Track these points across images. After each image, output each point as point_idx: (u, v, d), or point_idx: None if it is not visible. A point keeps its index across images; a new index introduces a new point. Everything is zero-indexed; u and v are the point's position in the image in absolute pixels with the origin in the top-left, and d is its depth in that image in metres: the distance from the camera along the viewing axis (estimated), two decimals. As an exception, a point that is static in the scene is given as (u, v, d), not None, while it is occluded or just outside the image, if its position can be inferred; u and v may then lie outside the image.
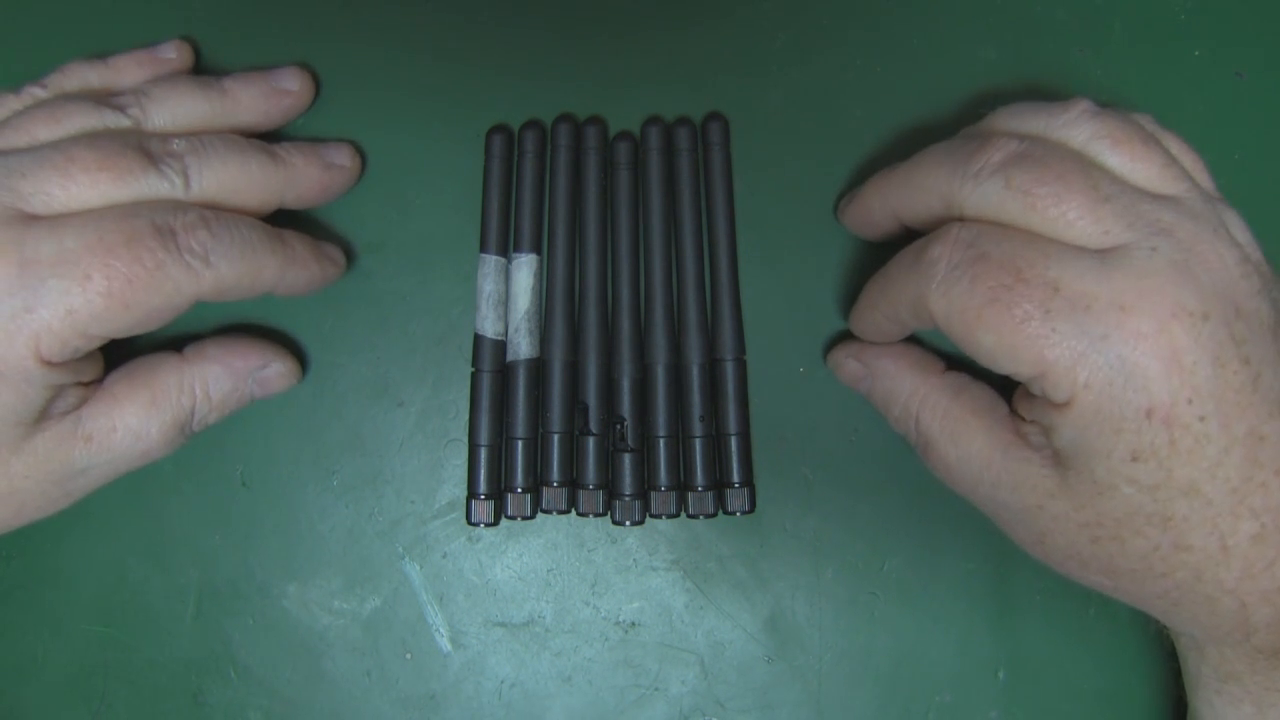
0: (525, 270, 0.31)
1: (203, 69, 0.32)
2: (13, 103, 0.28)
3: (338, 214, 0.32)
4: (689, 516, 0.30)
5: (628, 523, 0.30)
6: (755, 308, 0.31)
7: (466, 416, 0.31)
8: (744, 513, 0.30)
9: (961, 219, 0.24)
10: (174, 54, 0.30)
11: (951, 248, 0.23)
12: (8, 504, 0.26)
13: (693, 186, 0.31)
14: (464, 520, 0.30)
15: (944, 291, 0.23)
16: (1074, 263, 0.22)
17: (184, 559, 0.31)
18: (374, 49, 0.32)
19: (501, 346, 0.31)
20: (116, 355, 0.28)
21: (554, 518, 0.31)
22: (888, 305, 0.26)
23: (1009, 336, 0.22)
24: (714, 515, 0.30)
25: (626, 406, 0.30)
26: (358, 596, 0.31)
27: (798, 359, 0.31)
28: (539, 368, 0.31)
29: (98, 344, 0.25)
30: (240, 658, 0.31)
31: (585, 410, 0.30)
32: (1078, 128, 0.24)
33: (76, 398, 0.26)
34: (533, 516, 0.30)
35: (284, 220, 0.29)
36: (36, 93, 0.28)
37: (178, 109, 0.28)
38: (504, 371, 0.30)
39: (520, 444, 0.30)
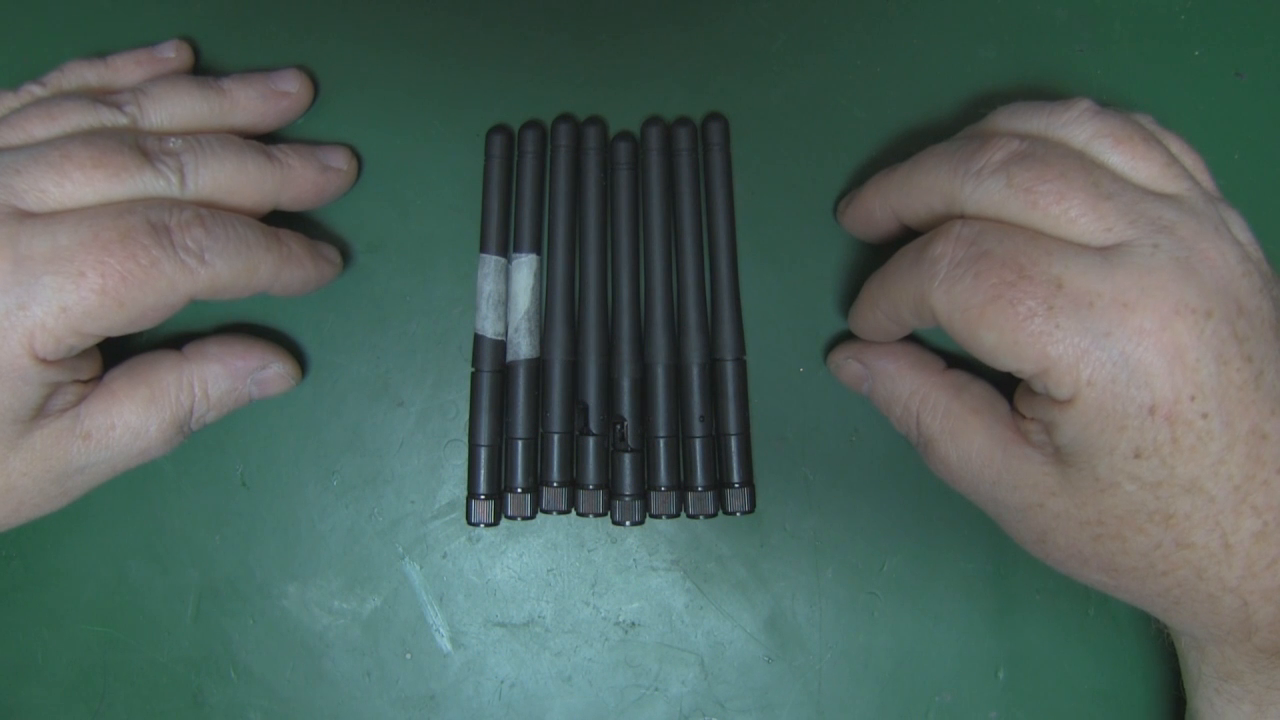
0: (525, 270, 0.31)
1: (203, 69, 0.32)
2: (10, 101, 0.28)
3: (338, 214, 0.32)
4: (689, 516, 0.30)
5: (628, 523, 0.30)
6: (755, 308, 0.31)
7: (466, 416, 0.31)
8: (744, 513, 0.30)
9: (963, 217, 0.24)
10: (173, 54, 0.30)
11: (954, 245, 0.23)
12: (5, 501, 0.26)
13: (693, 186, 0.31)
14: (464, 520, 0.30)
15: (946, 289, 0.23)
16: (1077, 260, 0.22)
17: (184, 559, 0.31)
18: (374, 49, 0.32)
19: (501, 346, 0.31)
20: (116, 352, 0.28)
21: (554, 518, 0.31)
22: (888, 304, 0.26)
23: (1012, 334, 0.22)
24: (714, 515, 0.30)
25: (626, 406, 0.30)
26: (358, 596, 0.31)
27: (798, 359, 0.31)
28: (539, 368, 0.31)
29: (93, 341, 0.25)
30: (240, 658, 0.31)
31: (585, 410, 0.30)
32: (1079, 127, 0.24)
33: (75, 395, 0.26)
34: (533, 516, 0.30)
35: (281, 220, 0.29)
36: (35, 91, 0.28)
37: (175, 108, 0.28)
38: (504, 371, 0.30)
39: (520, 444, 0.30)
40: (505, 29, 0.32)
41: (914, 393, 0.28)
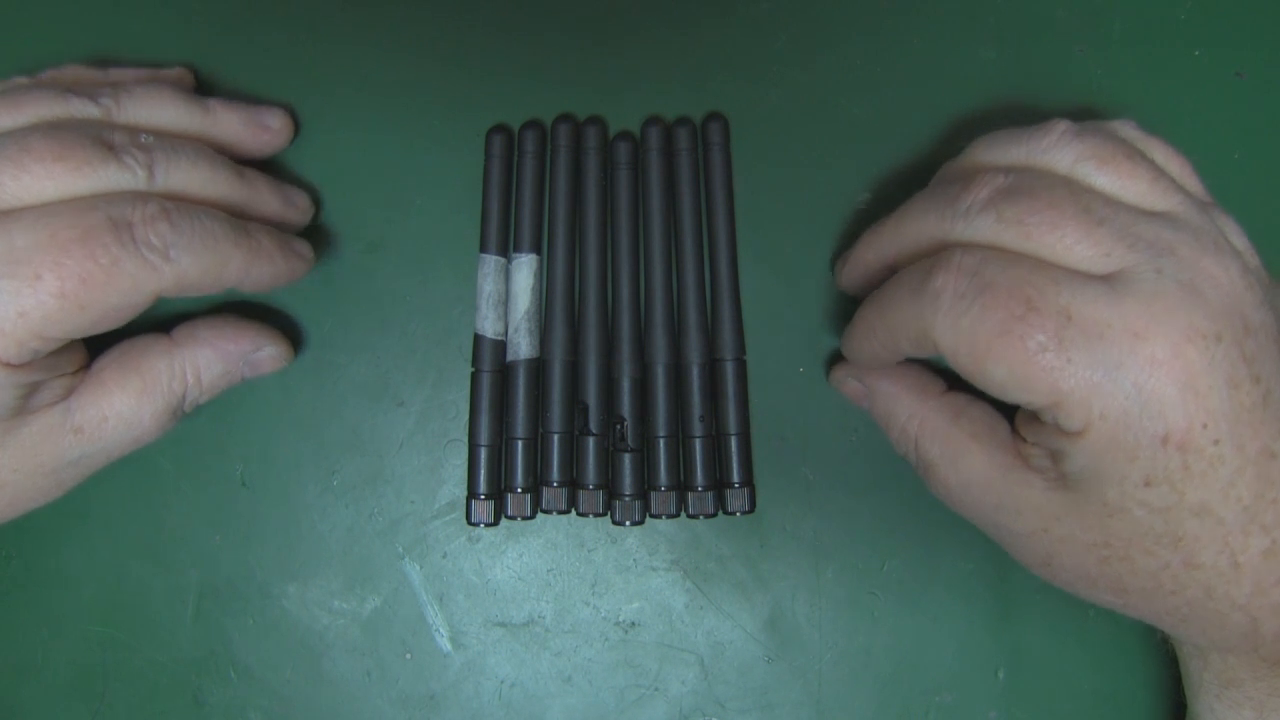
0: (525, 270, 0.31)
1: (202, 68, 0.32)
2: None
3: (338, 214, 0.32)
4: (689, 516, 0.30)
5: (628, 523, 0.30)
6: (755, 308, 0.31)
7: (466, 416, 0.31)
8: (744, 513, 0.30)
9: (963, 246, 0.23)
10: (174, 75, 0.30)
11: (955, 276, 0.22)
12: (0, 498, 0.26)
13: (693, 186, 0.31)
14: (464, 520, 0.30)
15: (951, 322, 0.22)
16: (1084, 289, 0.21)
17: (184, 559, 0.31)
18: (374, 49, 0.32)
19: (501, 346, 0.31)
20: (103, 338, 0.28)
21: (554, 518, 0.31)
22: (886, 334, 0.25)
23: (1022, 368, 0.21)
24: (714, 515, 0.30)
25: (626, 406, 0.30)
26: (358, 596, 0.31)
27: (798, 359, 0.31)
28: (539, 368, 0.31)
29: (59, 344, 0.24)
30: (240, 658, 0.31)
31: (585, 410, 0.30)
32: (1061, 152, 0.24)
33: (62, 388, 0.26)
34: (533, 516, 0.30)
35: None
36: (20, 81, 0.27)
37: (155, 110, 0.27)
38: (504, 371, 0.30)
39: (520, 444, 0.30)
40: (505, 29, 0.32)
41: (912, 416, 0.27)
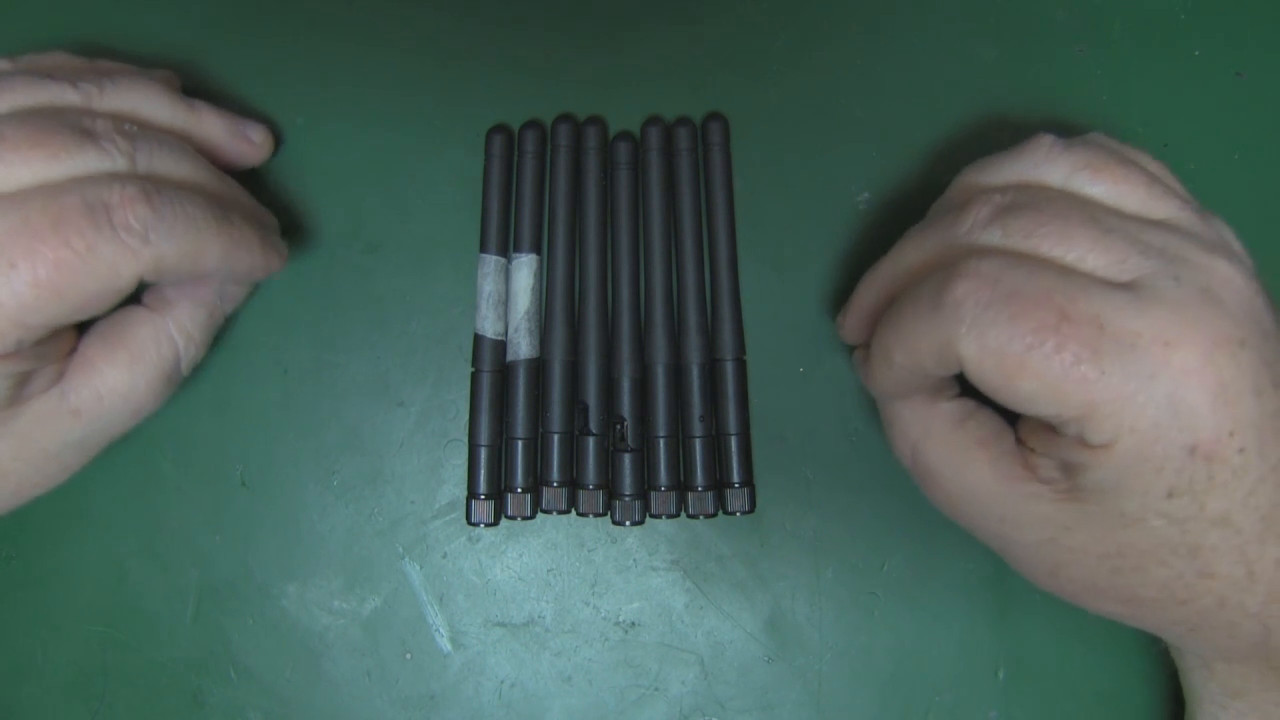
0: (525, 270, 0.31)
1: (201, 66, 0.32)
2: None
3: (338, 214, 0.32)
4: (689, 516, 0.30)
5: (628, 523, 0.30)
6: (755, 308, 0.31)
7: (466, 416, 0.31)
8: (744, 513, 0.30)
9: (977, 253, 0.22)
10: (161, 75, 0.30)
11: (976, 284, 0.21)
12: (4, 486, 0.26)
13: (693, 186, 0.31)
14: (464, 520, 0.30)
15: (977, 335, 0.21)
16: (1112, 298, 0.20)
17: (184, 559, 0.31)
18: (374, 49, 0.32)
19: (501, 346, 0.31)
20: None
21: (554, 518, 0.31)
22: (907, 356, 0.23)
23: (1056, 381, 0.20)
24: (714, 515, 0.30)
25: (626, 406, 0.30)
26: (358, 596, 0.31)
27: (798, 359, 0.31)
28: (539, 368, 0.31)
29: (42, 333, 0.23)
30: (240, 658, 0.31)
31: (585, 410, 0.30)
32: (1053, 165, 0.23)
33: (54, 372, 0.25)
34: (533, 516, 0.30)
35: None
36: (2, 65, 0.27)
37: (140, 101, 0.26)
38: (504, 371, 0.30)
39: (520, 444, 0.30)
40: (505, 29, 0.32)
41: (915, 417, 0.26)
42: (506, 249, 0.31)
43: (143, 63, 0.31)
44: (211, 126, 0.28)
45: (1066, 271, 0.21)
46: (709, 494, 0.30)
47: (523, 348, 0.30)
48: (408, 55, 0.32)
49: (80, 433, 0.26)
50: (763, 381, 0.31)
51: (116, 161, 0.23)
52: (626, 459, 0.30)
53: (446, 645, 0.31)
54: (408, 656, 0.31)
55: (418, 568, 0.31)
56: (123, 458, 0.30)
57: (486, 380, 0.30)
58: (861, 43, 0.32)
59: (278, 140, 0.31)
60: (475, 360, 0.30)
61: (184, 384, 0.29)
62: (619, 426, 0.30)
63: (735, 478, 0.30)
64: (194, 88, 0.32)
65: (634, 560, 0.31)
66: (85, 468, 0.27)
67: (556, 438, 0.30)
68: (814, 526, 0.31)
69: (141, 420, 0.27)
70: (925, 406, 0.26)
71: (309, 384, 0.31)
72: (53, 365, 0.25)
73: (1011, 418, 0.25)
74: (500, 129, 0.31)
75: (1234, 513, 0.21)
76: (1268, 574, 0.22)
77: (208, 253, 0.24)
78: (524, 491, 0.30)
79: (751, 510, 0.30)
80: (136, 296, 0.27)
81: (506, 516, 0.30)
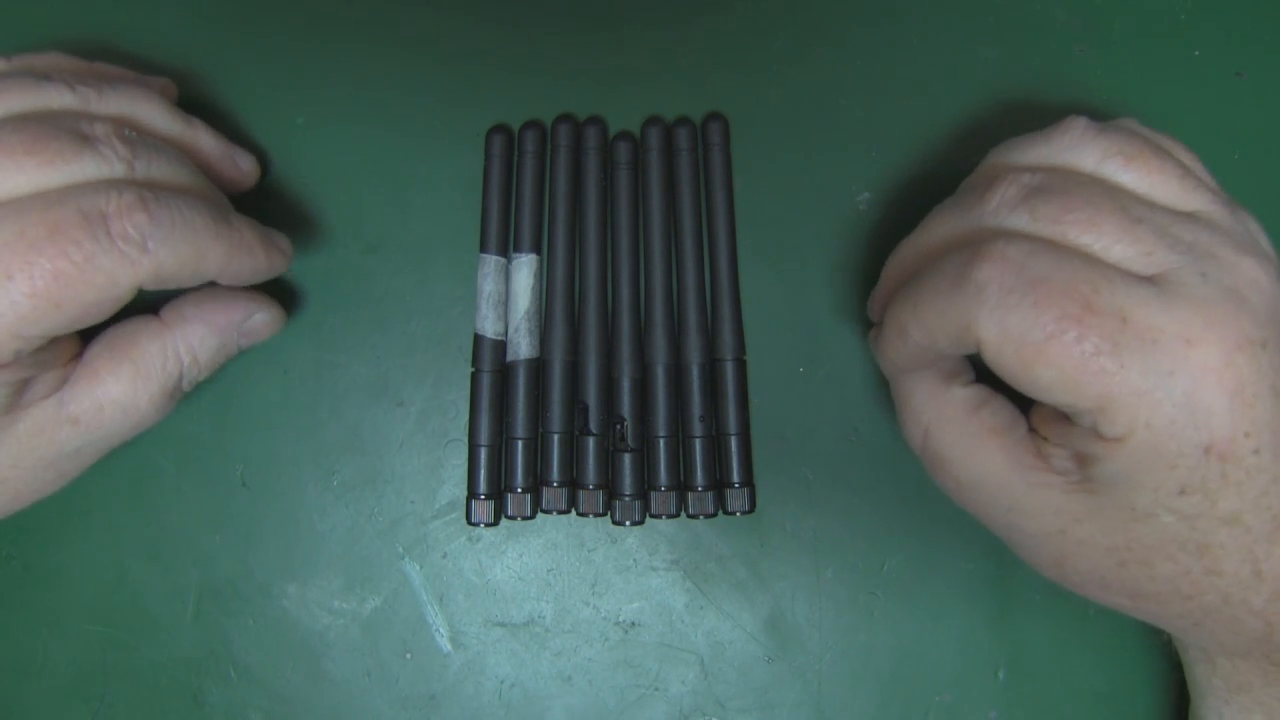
0: (525, 270, 0.31)
1: (201, 68, 0.32)
2: None
3: (338, 214, 0.32)
4: (689, 516, 0.30)
5: (628, 523, 0.30)
6: (755, 308, 0.31)
7: (466, 416, 0.31)
8: (744, 513, 0.30)
9: (1004, 234, 0.22)
10: (159, 83, 0.29)
11: (1001, 267, 0.21)
12: (1, 492, 0.25)
13: (693, 186, 0.31)
14: (464, 520, 0.30)
15: (999, 319, 0.20)
16: (1136, 291, 0.20)
17: (184, 559, 0.31)
18: (374, 48, 0.32)
19: (501, 346, 0.31)
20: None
21: (554, 518, 0.31)
22: (922, 332, 0.23)
23: (1075, 372, 0.20)
24: (714, 515, 0.30)
25: (626, 406, 0.30)
26: (358, 596, 0.31)
27: (798, 359, 0.31)
28: (539, 368, 0.31)
29: (40, 342, 0.23)
30: (240, 658, 0.31)
31: (585, 410, 0.30)
32: (1085, 150, 0.23)
33: (54, 380, 0.25)
34: (533, 516, 0.30)
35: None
36: None
37: (139, 108, 0.26)
38: (504, 371, 0.30)
39: (520, 444, 0.30)
40: (505, 29, 0.32)
41: (929, 401, 0.25)
42: (506, 249, 0.31)
43: (141, 63, 0.31)
44: (206, 143, 0.28)
45: (1093, 261, 0.21)
46: (709, 494, 0.30)
47: (523, 348, 0.30)
48: (408, 55, 0.32)
49: (77, 442, 0.26)
50: (763, 381, 0.31)
51: (115, 168, 0.23)
52: (626, 459, 0.30)
53: (446, 645, 0.31)
54: (408, 656, 0.31)
55: (418, 568, 0.31)
56: (123, 458, 0.30)
57: (486, 380, 0.30)
58: (861, 42, 0.32)
59: (264, 171, 0.31)
60: (475, 360, 0.30)
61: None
62: (619, 426, 0.30)
63: (735, 478, 0.30)
64: (193, 89, 0.32)
65: (634, 560, 0.31)
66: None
67: (556, 438, 0.30)
68: (814, 526, 0.31)
69: (140, 432, 0.27)
70: (940, 391, 0.25)
71: (309, 384, 0.31)
72: (53, 372, 0.25)
73: (1024, 407, 0.25)
74: (500, 129, 0.31)
75: (1245, 512, 0.21)
76: (1274, 573, 0.22)
77: (208, 258, 0.24)
78: (524, 491, 0.30)
79: (751, 510, 0.30)
80: (154, 308, 0.27)
81: (506, 516, 0.30)
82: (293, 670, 0.31)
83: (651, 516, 0.30)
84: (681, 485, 0.30)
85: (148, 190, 0.23)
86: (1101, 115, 0.32)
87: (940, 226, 0.24)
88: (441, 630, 0.31)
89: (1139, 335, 0.20)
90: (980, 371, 0.25)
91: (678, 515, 0.30)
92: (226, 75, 0.32)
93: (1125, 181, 0.22)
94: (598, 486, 0.30)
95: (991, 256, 0.21)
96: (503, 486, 0.30)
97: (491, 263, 0.31)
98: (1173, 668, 0.30)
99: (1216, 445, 0.20)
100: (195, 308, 0.27)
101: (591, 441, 0.30)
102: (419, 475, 0.31)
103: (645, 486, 0.30)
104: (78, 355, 0.26)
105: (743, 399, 0.30)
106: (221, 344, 0.28)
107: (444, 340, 0.31)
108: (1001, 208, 0.22)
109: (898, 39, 0.32)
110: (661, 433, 0.30)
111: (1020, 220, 0.22)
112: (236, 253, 0.25)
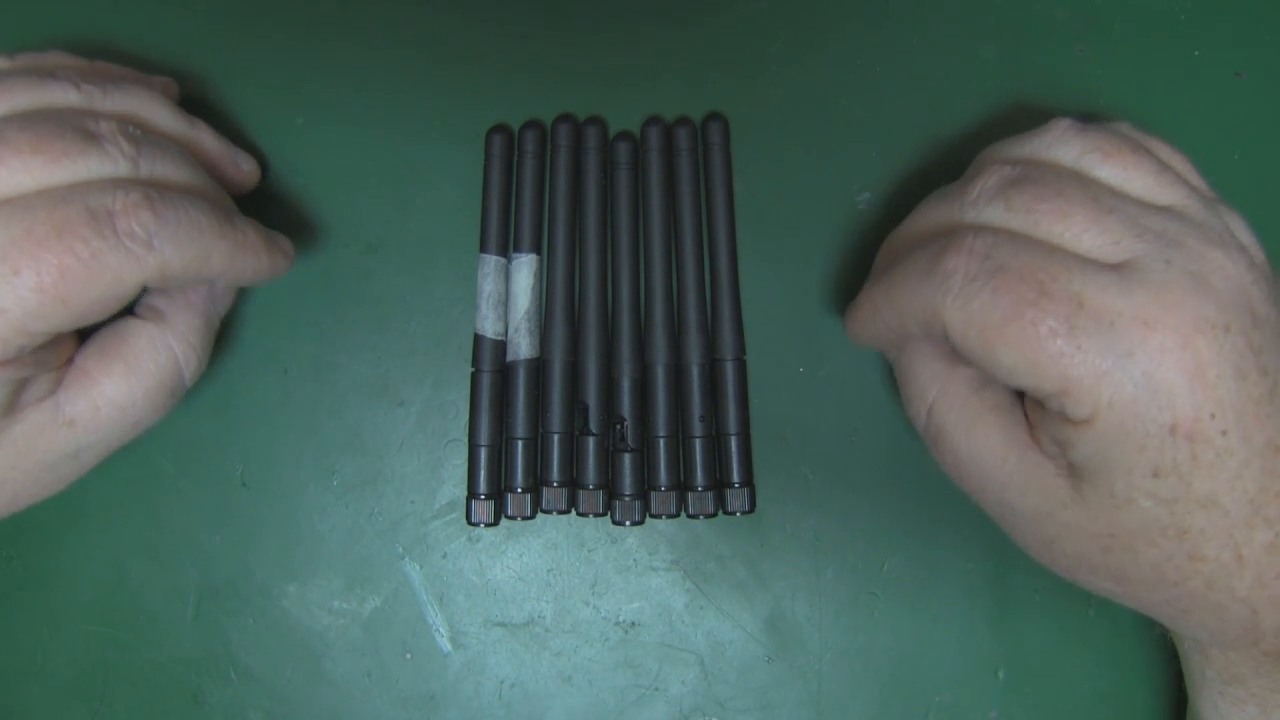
0: (525, 270, 0.31)
1: (202, 67, 0.32)
2: None
3: (338, 214, 0.32)
4: (689, 516, 0.30)
5: (628, 523, 0.30)
6: (755, 308, 0.31)
7: (466, 416, 0.31)
8: (744, 513, 0.30)
9: (976, 228, 0.23)
10: (160, 82, 0.29)
11: (967, 258, 0.22)
12: (0, 494, 0.25)
13: (693, 186, 0.31)
14: (464, 520, 0.30)
15: (961, 305, 0.22)
16: (1095, 277, 0.21)
17: (184, 559, 0.31)
18: (374, 49, 0.32)
19: (501, 346, 0.31)
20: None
21: (554, 518, 0.31)
22: (893, 314, 0.25)
23: (1032, 353, 0.21)
24: (714, 515, 0.30)
25: (626, 406, 0.30)
26: (358, 596, 0.31)
27: (798, 359, 0.31)
28: (539, 368, 0.31)
29: (44, 339, 0.23)
30: (240, 658, 0.31)
31: (585, 410, 0.30)
32: (1065, 146, 0.24)
33: (50, 382, 0.25)
34: (533, 516, 0.30)
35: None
36: (1, 64, 0.26)
37: (143, 105, 0.26)
38: (504, 371, 0.30)
39: (520, 444, 0.30)
40: (505, 29, 0.32)
41: (935, 377, 0.26)
42: (506, 249, 0.31)
43: (141, 63, 0.31)
44: (209, 143, 0.28)
45: (1054, 250, 0.22)
46: (709, 494, 0.30)
47: (523, 348, 0.30)
48: (408, 55, 0.32)
49: (75, 444, 0.25)
50: (763, 381, 0.31)
51: (120, 165, 0.23)
52: (626, 459, 0.30)
53: (446, 645, 0.31)
54: (408, 656, 0.31)
55: (418, 568, 0.31)
56: (123, 458, 0.30)
57: (486, 380, 0.30)
58: (861, 42, 0.32)
59: (264, 172, 0.31)
60: (475, 360, 0.30)
61: (184, 384, 0.29)
62: (619, 426, 0.30)
63: (735, 478, 0.30)
64: (193, 89, 0.32)
65: (634, 560, 0.31)
66: (85, 468, 0.27)
67: (556, 438, 0.30)
68: (814, 526, 0.31)
69: (142, 431, 0.27)
70: (946, 369, 0.26)
71: (309, 384, 0.31)
72: (49, 373, 0.25)
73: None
74: (500, 129, 0.31)
75: (1220, 495, 0.21)
76: (1255, 558, 0.22)
77: (213, 258, 0.24)
78: (524, 491, 0.30)
79: (751, 510, 0.30)
80: (131, 308, 0.27)
81: (506, 516, 0.30)
82: (293, 670, 0.31)
83: (651, 516, 0.30)
84: (681, 485, 0.30)
85: (153, 189, 0.23)
86: (1101, 115, 0.32)
87: (927, 216, 0.25)
88: (441, 630, 0.31)
89: (1095, 318, 0.21)
90: None
91: (678, 515, 0.30)
92: (226, 76, 0.32)
93: (1102, 175, 0.24)
94: (598, 486, 0.30)
95: (960, 249, 0.22)
96: (503, 486, 0.30)
97: (491, 263, 0.31)
98: (1170, 664, 0.30)
99: (1181, 425, 0.21)
100: (165, 300, 0.27)
101: (591, 441, 0.30)
102: (419, 475, 0.31)
103: (645, 486, 0.30)
104: (70, 359, 0.26)
105: (743, 399, 0.30)
106: (205, 320, 0.27)
107: (444, 340, 0.31)
108: (981, 198, 0.23)
109: (898, 39, 0.32)
110: (661, 433, 0.30)
111: (996, 209, 0.23)
112: (240, 253, 0.25)
